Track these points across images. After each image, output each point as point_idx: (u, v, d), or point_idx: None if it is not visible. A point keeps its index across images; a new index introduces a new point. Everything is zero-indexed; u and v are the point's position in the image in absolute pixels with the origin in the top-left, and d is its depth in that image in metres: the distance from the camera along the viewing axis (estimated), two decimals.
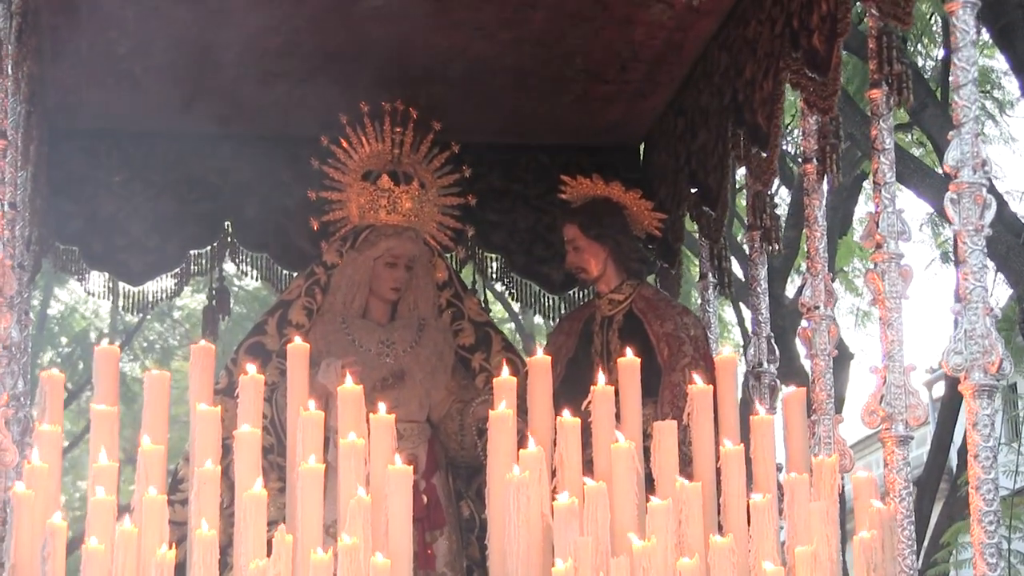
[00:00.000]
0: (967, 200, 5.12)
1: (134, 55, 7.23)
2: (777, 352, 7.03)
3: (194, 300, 18.20)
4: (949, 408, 13.75)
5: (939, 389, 17.02)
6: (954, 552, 14.20)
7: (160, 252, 7.98)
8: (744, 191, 7.22)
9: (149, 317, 17.69)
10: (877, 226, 5.65)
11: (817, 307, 6.19)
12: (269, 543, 4.68)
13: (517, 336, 16.02)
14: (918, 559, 5.39)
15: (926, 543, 13.37)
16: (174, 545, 4.66)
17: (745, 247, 8.10)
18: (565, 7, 6.93)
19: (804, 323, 6.27)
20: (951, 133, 5.18)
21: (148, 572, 4.55)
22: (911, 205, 19.30)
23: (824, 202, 6.36)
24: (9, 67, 5.70)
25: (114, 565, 4.60)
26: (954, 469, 14.85)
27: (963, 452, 13.52)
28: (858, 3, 6.00)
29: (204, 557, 4.59)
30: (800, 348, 7.60)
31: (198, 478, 4.80)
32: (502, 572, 4.89)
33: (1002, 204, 10.67)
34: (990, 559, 4.93)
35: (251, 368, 5.23)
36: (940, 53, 13.83)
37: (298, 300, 7.10)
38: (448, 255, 7.56)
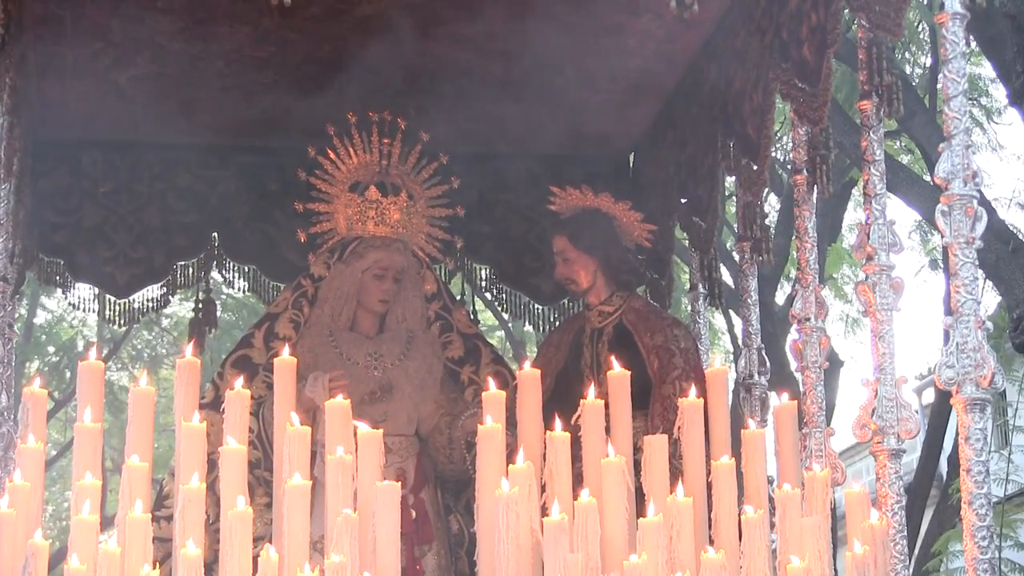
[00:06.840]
0: (958, 212, 5.10)
1: (119, 66, 7.20)
2: (768, 363, 7.01)
3: (183, 308, 18.10)
4: (939, 415, 13.71)
5: (929, 396, 16.95)
6: (945, 560, 14.17)
7: (146, 264, 7.96)
8: (734, 198, 7.18)
9: (137, 326, 17.61)
10: (868, 238, 5.62)
11: (808, 319, 6.16)
12: (255, 560, 4.64)
13: (507, 344, 15.98)
14: (909, 569, 5.35)
15: (916, 551, 13.33)
16: (158, 563, 4.62)
17: (735, 255, 8.08)
18: (554, 18, 6.88)
19: (794, 334, 6.24)
20: (942, 145, 5.15)
21: None
22: (900, 213, 19.25)
23: (814, 212, 6.34)
24: None
25: None
26: (944, 476, 14.82)
27: (953, 459, 13.49)
28: (847, 12, 5.96)
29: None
30: (791, 359, 7.57)
31: (183, 496, 4.76)
32: None
33: (991, 212, 10.64)
34: (983, 574, 4.89)
35: (237, 383, 5.19)
36: (928, 61, 13.82)
37: (285, 313, 7.06)
38: (437, 266, 7.52)
